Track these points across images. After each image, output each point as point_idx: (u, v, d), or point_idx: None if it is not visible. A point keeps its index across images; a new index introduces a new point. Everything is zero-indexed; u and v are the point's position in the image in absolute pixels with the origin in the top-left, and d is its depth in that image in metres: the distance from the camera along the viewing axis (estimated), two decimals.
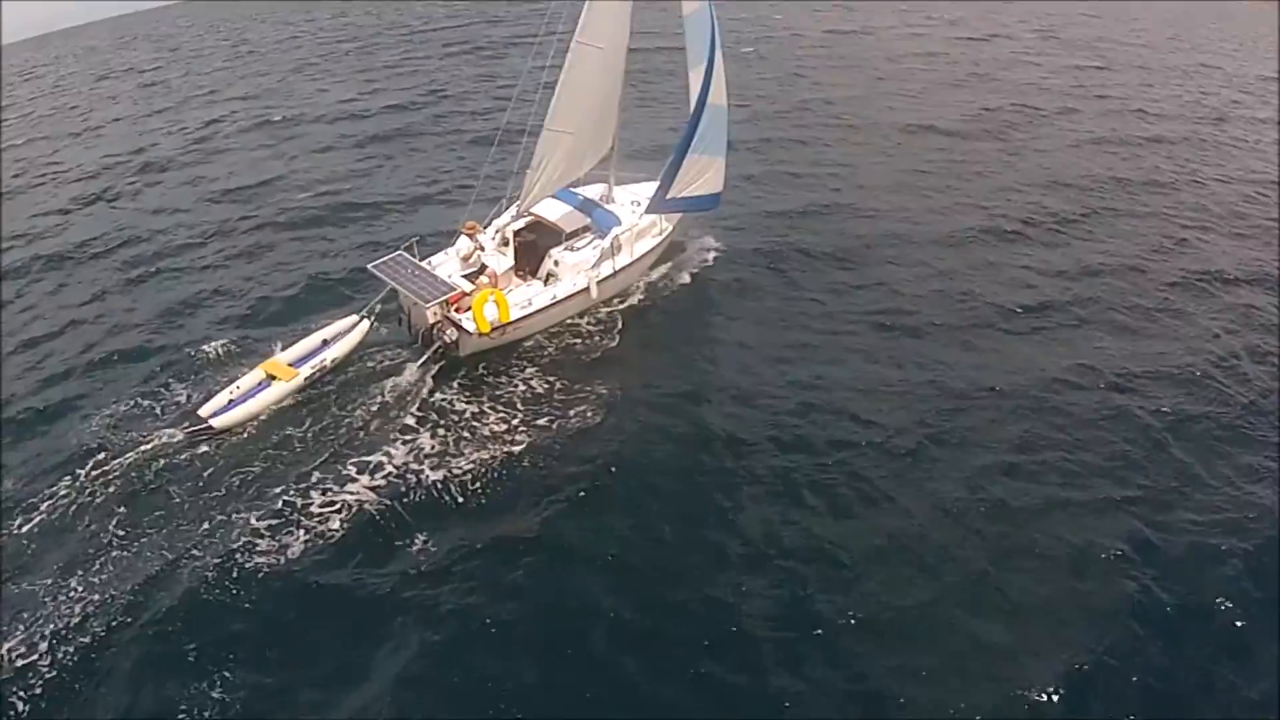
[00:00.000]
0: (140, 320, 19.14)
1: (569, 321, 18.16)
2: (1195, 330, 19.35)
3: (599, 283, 17.90)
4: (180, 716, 10.40)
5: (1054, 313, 19.65)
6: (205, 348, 17.50)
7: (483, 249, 18.15)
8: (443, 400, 16.03)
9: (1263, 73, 42.27)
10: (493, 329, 16.40)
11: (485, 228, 18.63)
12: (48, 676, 10.83)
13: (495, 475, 14.20)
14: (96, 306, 20.02)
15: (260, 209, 24.91)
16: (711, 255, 20.96)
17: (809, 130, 30.43)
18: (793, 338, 18.30)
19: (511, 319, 16.65)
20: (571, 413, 15.68)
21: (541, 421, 15.48)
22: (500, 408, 15.89)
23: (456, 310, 16.65)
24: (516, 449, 14.75)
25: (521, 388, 16.45)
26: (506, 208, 19.05)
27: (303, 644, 11.44)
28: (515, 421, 15.50)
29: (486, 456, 14.58)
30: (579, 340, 17.84)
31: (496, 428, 15.32)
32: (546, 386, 16.43)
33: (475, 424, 15.45)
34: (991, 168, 27.76)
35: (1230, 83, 40.72)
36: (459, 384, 16.49)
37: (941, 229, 23.12)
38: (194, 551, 12.59)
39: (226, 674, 10.93)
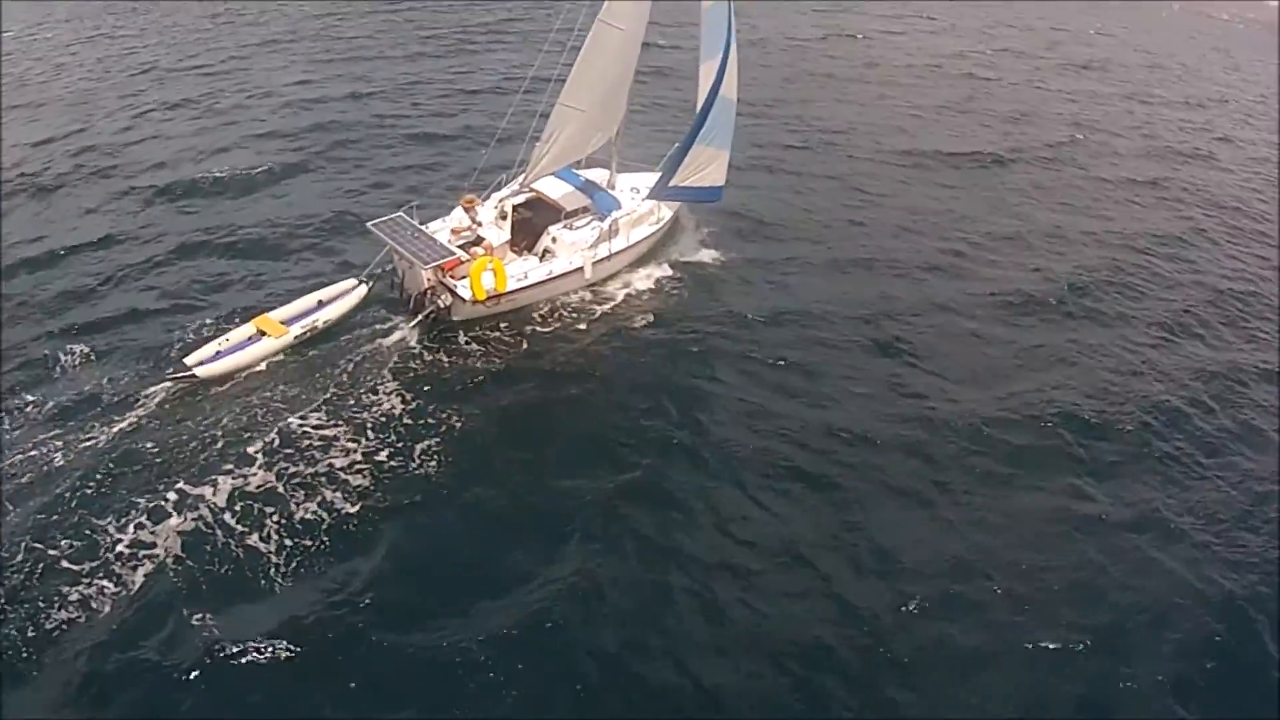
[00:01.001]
0: (137, 272, 19.05)
1: (559, 300, 18.45)
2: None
3: (594, 264, 18.23)
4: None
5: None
6: (199, 300, 17.68)
7: (478, 224, 18.35)
8: (426, 365, 16.36)
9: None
10: (488, 297, 16.60)
11: (484, 200, 18.85)
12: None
13: (464, 447, 14.56)
14: (100, 252, 19.85)
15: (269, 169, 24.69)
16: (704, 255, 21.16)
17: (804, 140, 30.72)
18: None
19: (507, 289, 16.86)
20: (543, 385, 16.28)
21: (517, 393, 16.04)
22: (480, 379, 16.23)
23: (452, 277, 16.77)
24: (487, 423, 15.22)
25: (502, 362, 16.78)
26: (507, 182, 19.31)
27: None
28: (492, 394, 15.91)
29: (460, 426, 14.96)
30: (565, 320, 18.13)
31: (472, 398, 15.67)
32: (526, 361, 16.85)
33: (454, 392, 15.76)
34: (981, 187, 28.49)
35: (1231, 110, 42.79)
36: (445, 350, 16.79)
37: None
38: (168, 495, 12.86)
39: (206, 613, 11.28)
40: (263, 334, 16.21)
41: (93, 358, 15.90)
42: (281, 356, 16.19)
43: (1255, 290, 23.69)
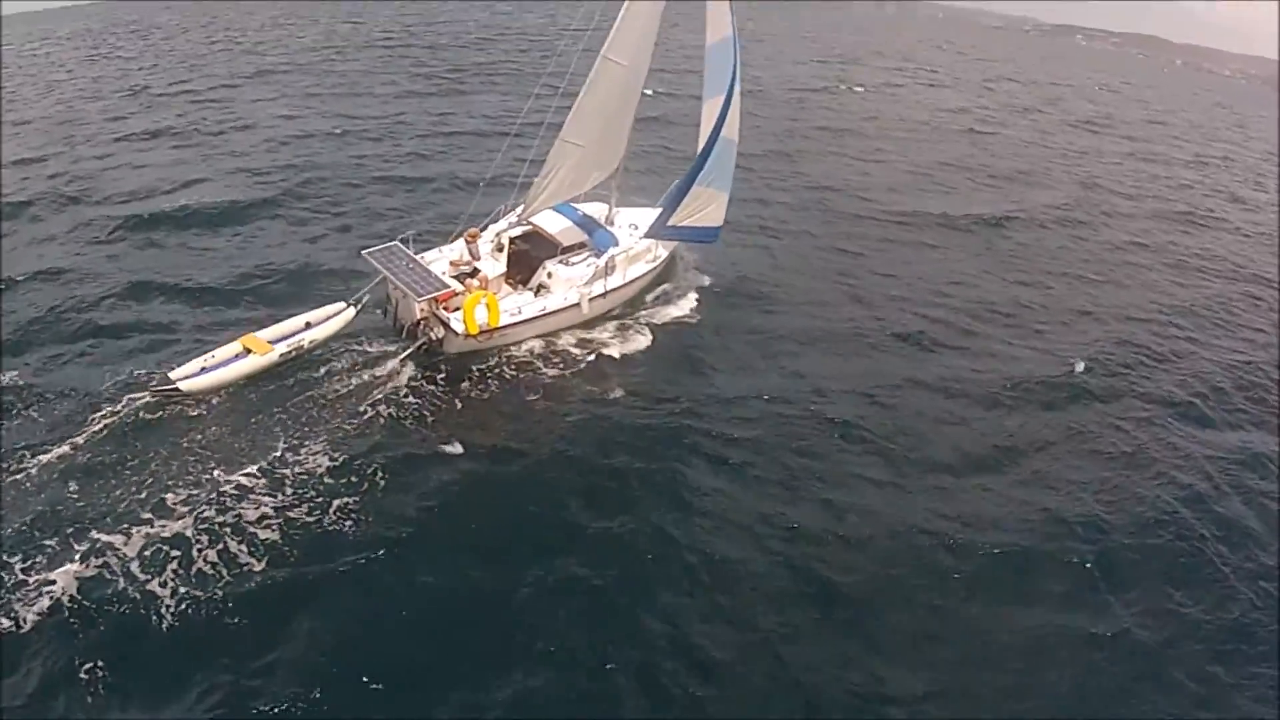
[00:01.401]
0: (129, 291, 19.03)
1: (550, 342, 18.31)
2: None
3: (590, 300, 18.19)
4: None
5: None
6: (187, 321, 17.68)
7: (477, 256, 18.31)
8: (415, 394, 16.12)
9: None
10: (480, 332, 16.48)
11: (481, 232, 18.87)
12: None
13: (452, 481, 14.36)
14: (84, 276, 19.72)
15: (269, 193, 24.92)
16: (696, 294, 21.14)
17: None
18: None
19: (500, 324, 16.76)
20: (532, 425, 16.04)
21: (504, 431, 15.80)
22: (469, 411, 16.07)
23: (445, 308, 16.67)
24: (474, 460, 14.90)
25: (494, 395, 16.62)
26: (505, 213, 19.32)
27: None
28: (482, 428, 15.73)
29: (446, 460, 14.77)
30: (560, 355, 17.99)
31: (462, 432, 15.40)
32: (517, 397, 16.67)
33: (441, 422, 15.60)
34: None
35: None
36: (435, 381, 16.57)
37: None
38: (145, 510, 12.64)
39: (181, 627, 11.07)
40: (249, 351, 16.07)
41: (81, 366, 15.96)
42: (264, 376, 15.99)
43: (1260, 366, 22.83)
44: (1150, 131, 50.47)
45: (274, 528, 12.64)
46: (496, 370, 17.14)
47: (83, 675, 10.43)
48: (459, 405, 16.12)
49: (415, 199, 25.39)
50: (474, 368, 17.04)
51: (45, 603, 11.17)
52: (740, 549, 13.84)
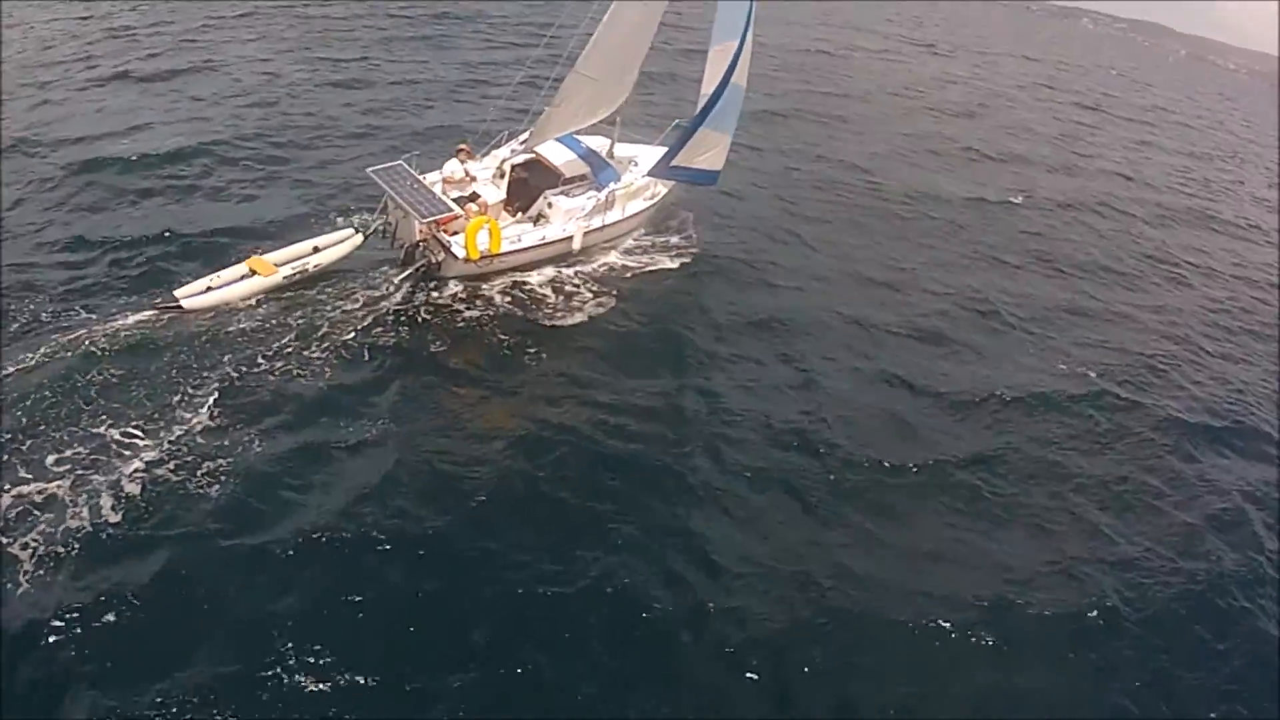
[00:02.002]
0: (136, 213, 19.19)
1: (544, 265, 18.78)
2: None
3: (586, 233, 18.52)
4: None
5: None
6: (197, 243, 17.90)
7: (472, 176, 18.68)
8: (410, 315, 16.59)
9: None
10: (481, 257, 16.81)
11: (482, 157, 19.25)
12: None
13: (442, 398, 14.88)
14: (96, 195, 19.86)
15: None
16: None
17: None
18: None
19: (500, 251, 17.10)
20: (525, 355, 16.33)
21: (495, 359, 16.16)
22: (462, 337, 16.45)
23: (445, 232, 17.00)
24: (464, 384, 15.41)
25: (489, 321, 17.02)
26: (507, 140, 19.67)
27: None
28: (472, 355, 16.12)
29: (438, 380, 15.29)
30: (555, 286, 18.46)
31: (452, 355, 15.92)
32: (511, 325, 17.03)
33: (435, 345, 16.04)
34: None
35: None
36: (430, 304, 17.02)
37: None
38: (144, 425, 12.83)
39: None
40: (254, 273, 16.42)
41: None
42: (267, 297, 16.38)
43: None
44: (1154, 118, 50.85)
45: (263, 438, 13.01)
46: (489, 296, 17.59)
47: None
48: (452, 329, 16.57)
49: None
50: (468, 291, 17.50)
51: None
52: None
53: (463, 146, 18.81)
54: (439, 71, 32.37)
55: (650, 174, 19.45)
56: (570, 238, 18.25)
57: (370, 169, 17.28)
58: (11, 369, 13.33)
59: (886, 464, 15.12)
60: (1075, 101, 50.73)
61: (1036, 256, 26.12)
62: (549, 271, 18.64)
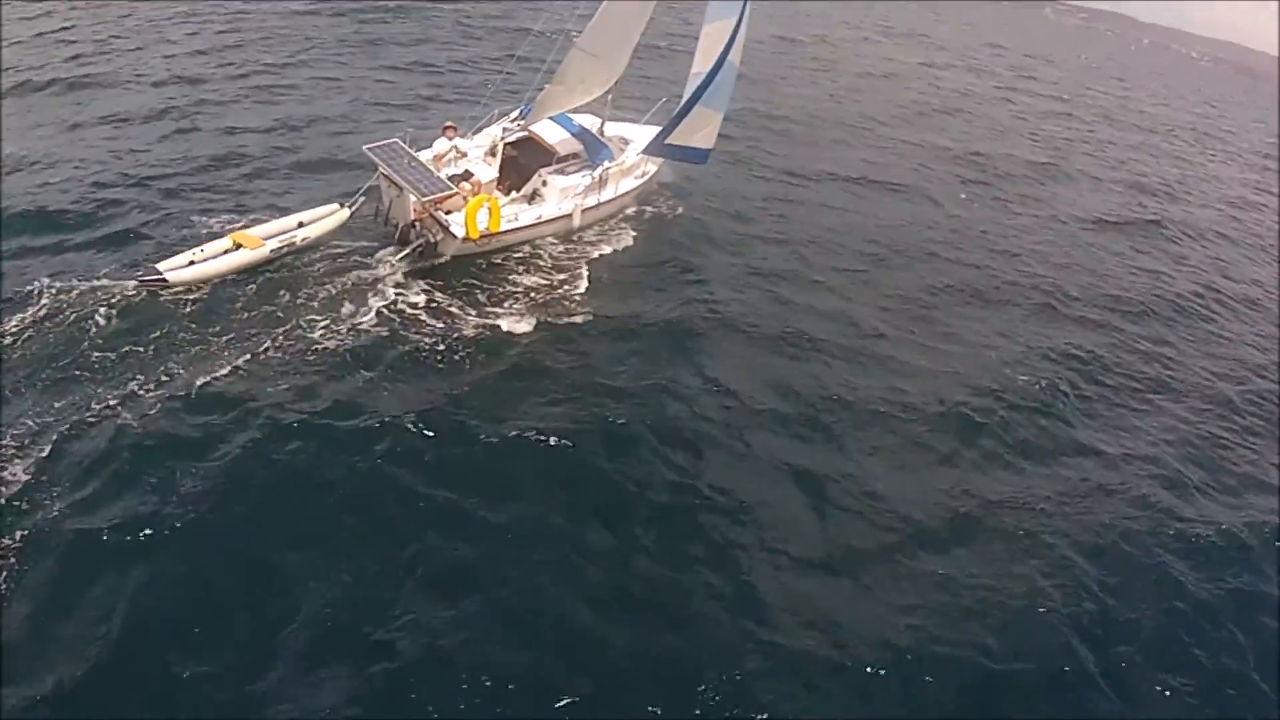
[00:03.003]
0: (121, 182, 18.84)
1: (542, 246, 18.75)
2: None
3: (582, 211, 18.52)
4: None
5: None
6: (179, 216, 17.59)
7: (462, 154, 18.63)
8: (403, 293, 16.39)
9: None
10: (481, 236, 16.69)
11: (473, 135, 19.15)
12: None
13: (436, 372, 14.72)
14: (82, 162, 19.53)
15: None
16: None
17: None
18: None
19: (499, 230, 17.02)
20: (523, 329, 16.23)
21: (492, 332, 16.00)
22: (459, 311, 16.32)
23: (443, 211, 16.85)
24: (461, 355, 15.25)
25: (486, 297, 16.92)
26: (498, 119, 19.55)
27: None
28: (469, 328, 15.92)
29: (433, 356, 15.07)
30: (551, 266, 18.37)
31: (449, 328, 15.77)
32: (509, 301, 16.97)
33: (430, 322, 15.87)
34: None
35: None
36: (425, 282, 16.87)
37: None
38: (125, 400, 12.61)
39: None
40: (239, 246, 16.14)
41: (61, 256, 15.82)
42: (254, 272, 16.08)
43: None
44: (1121, 106, 52.04)
45: (254, 423, 12.73)
46: (488, 272, 17.55)
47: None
48: (450, 309, 16.37)
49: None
50: (465, 270, 17.38)
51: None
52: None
53: (450, 124, 18.75)
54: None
55: (645, 152, 19.54)
56: (569, 215, 18.29)
57: (366, 146, 17.10)
58: None
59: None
60: (1040, 93, 51.62)
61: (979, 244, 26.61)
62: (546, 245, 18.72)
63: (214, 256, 15.89)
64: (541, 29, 19.98)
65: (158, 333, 14.04)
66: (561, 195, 18.39)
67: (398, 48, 32.74)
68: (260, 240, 16.29)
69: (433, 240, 16.97)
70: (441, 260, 17.23)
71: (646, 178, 20.55)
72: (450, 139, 18.55)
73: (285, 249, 16.44)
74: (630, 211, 21.09)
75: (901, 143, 34.09)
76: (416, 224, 17.05)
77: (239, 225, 17.03)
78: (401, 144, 17.14)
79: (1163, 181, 38.65)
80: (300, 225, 16.95)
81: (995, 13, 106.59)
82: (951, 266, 23.89)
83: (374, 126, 22.43)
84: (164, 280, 15.11)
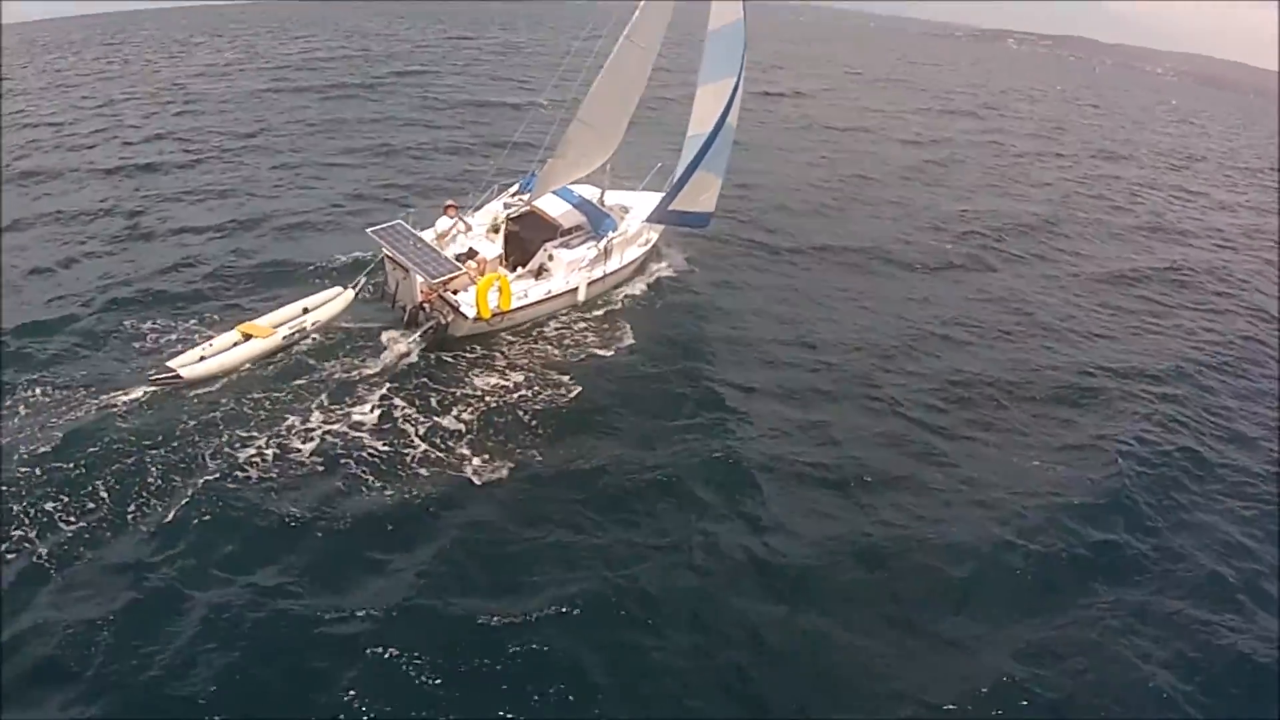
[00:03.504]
0: (118, 283, 18.97)
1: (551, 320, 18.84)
2: None
3: (589, 284, 18.69)
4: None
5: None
6: (182, 313, 17.65)
7: (467, 229, 18.90)
8: (420, 375, 16.38)
9: None
10: (492, 315, 16.84)
11: (474, 211, 19.37)
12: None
13: (465, 446, 14.60)
14: (72, 269, 19.71)
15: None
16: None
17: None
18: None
19: (510, 308, 17.18)
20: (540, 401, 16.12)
21: (513, 408, 15.87)
22: (477, 390, 16.23)
23: (451, 291, 16.99)
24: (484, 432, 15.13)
25: (499, 376, 16.83)
26: (497, 194, 19.78)
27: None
28: (489, 406, 15.82)
29: (458, 431, 14.99)
30: (563, 337, 18.44)
31: (468, 408, 15.67)
32: (524, 376, 16.88)
33: (449, 403, 15.76)
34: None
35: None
36: (439, 361, 16.90)
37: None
38: (152, 500, 12.54)
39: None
40: (248, 337, 16.16)
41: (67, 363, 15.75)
42: (268, 361, 16.15)
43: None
44: (1106, 136, 52.89)
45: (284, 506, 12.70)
46: (498, 351, 17.57)
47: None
48: (468, 389, 16.30)
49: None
50: (475, 349, 17.45)
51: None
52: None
53: (451, 203, 18.98)
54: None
55: (650, 219, 19.75)
56: (575, 289, 18.35)
57: (370, 229, 17.24)
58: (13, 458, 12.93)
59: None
60: (1016, 125, 52.47)
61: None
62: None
63: (224, 350, 15.91)
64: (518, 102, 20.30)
65: (182, 427, 14.02)
66: (568, 269, 18.53)
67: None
68: (270, 329, 16.37)
69: (444, 322, 17.04)
70: (453, 340, 17.29)
71: (649, 245, 20.76)
72: (452, 217, 18.70)
73: (296, 334, 16.53)
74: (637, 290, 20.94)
75: (897, 205, 32.35)
76: (425, 306, 17.13)
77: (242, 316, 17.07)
78: (405, 225, 17.32)
79: (1175, 221, 36.79)
80: (305, 311, 17.04)
81: (960, 49, 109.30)
82: (987, 352, 21.04)
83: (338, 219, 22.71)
84: (178, 377, 15.08)
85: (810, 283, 23.02)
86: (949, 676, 11.44)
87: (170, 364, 15.28)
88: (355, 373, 15.98)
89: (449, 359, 16.98)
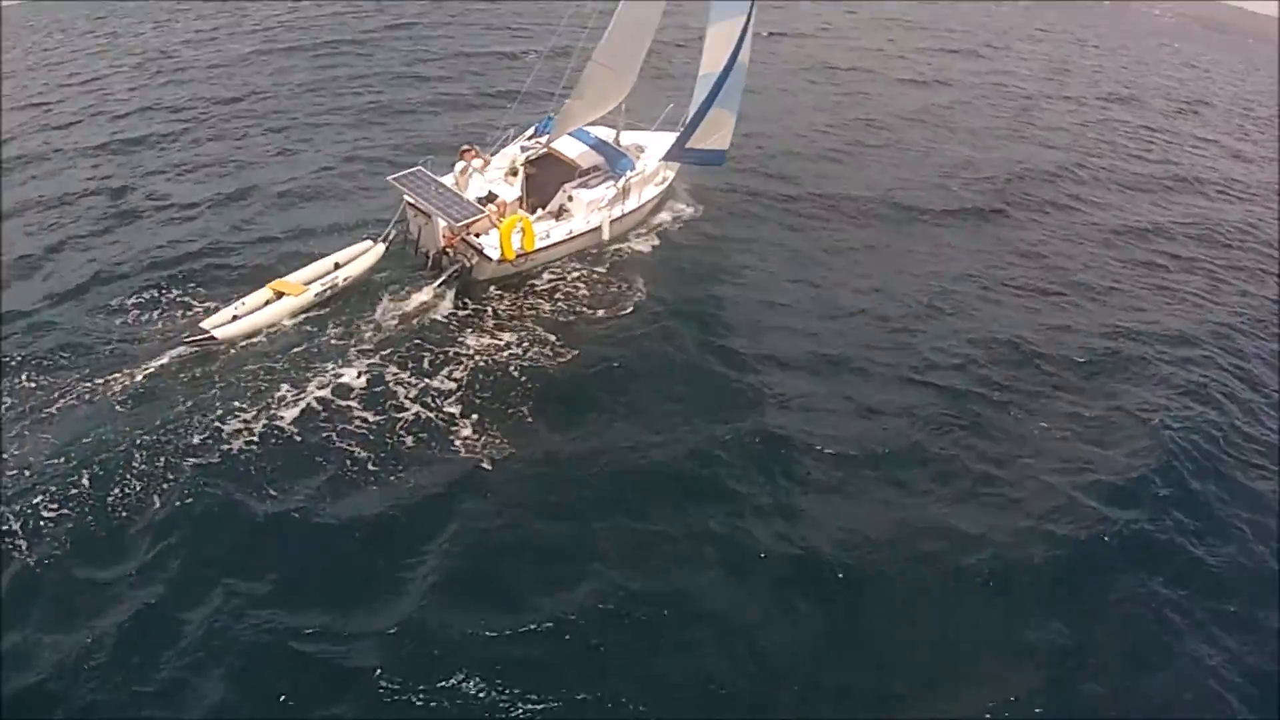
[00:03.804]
0: (145, 245, 18.98)
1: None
2: None
3: (611, 222, 18.76)
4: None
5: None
6: (213, 271, 17.77)
7: (485, 166, 19.08)
8: (452, 320, 16.64)
9: None
10: (516, 256, 16.87)
11: (491, 156, 19.44)
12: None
13: (494, 391, 14.93)
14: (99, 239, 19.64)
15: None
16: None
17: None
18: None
19: (534, 248, 17.21)
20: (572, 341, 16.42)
21: (544, 348, 16.17)
22: (507, 331, 16.53)
23: (474, 234, 17.02)
24: (516, 369, 15.46)
25: (530, 316, 17.15)
26: (514, 138, 19.86)
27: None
28: (518, 345, 16.14)
29: (488, 375, 15.30)
30: (586, 280, 18.61)
31: (497, 349, 15.99)
32: (551, 318, 17.17)
33: (479, 346, 16.06)
34: None
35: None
36: (470, 306, 17.12)
37: None
38: (191, 458, 12.74)
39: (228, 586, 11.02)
40: (280, 295, 16.24)
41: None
42: (303, 317, 16.32)
43: None
44: (1099, 70, 52.05)
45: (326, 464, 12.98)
46: (527, 293, 17.80)
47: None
48: (502, 329, 16.59)
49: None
50: (502, 292, 17.68)
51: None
52: None
53: (467, 147, 18.97)
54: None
55: (665, 158, 19.77)
56: (598, 228, 18.46)
57: (390, 176, 17.28)
58: (58, 431, 13.17)
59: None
60: (1016, 66, 51.59)
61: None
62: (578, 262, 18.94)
63: (257, 308, 16.02)
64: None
65: (222, 384, 14.34)
66: (588, 209, 18.59)
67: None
68: (302, 286, 16.48)
69: (468, 265, 17.12)
70: (479, 282, 17.45)
71: (666, 184, 20.83)
72: (469, 161, 18.67)
73: (328, 291, 16.64)
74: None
75: (904, 150, 30.88)
76: (449, 250, 17.20)
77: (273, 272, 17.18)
78: (425, 171, 17.38)
79: (1190, 170, 34.88)
80: (336, 266, 17.11)
81: None
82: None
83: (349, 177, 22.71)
84: (213, 338, 15.22)
85: (822, 236, 22.48)
86: (983, 672, 11.44)
87: (203, 325, 15.44)
88: (384, 325, 16.16)
89: (466, 312, 17.06)
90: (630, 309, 17.66)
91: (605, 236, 18.95)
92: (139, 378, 14.32)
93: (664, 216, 21.50)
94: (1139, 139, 38.09)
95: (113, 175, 22.70)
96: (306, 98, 29.03)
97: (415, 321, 16.41)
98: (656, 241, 20.50)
